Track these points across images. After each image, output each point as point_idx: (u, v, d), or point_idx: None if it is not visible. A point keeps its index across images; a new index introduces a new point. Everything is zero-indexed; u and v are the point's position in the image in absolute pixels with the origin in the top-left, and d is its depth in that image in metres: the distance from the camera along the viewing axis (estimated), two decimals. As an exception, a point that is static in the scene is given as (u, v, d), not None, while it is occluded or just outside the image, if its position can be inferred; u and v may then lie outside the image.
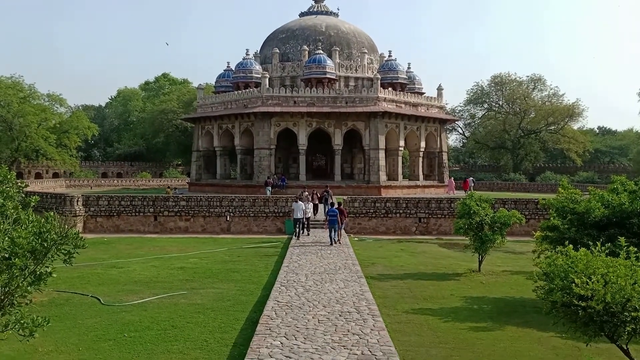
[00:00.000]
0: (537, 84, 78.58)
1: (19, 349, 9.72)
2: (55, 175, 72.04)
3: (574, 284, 8.12)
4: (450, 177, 50.21)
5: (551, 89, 78.39)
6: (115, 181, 68.66)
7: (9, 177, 10.35)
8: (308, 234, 25.14)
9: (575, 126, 79.20)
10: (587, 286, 8.03)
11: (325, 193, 30.67)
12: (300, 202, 25.08)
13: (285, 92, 43.03)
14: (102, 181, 68.03)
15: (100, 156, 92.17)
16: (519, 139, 75.66)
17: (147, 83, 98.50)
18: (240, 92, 45.33)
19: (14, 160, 66.53)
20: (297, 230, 24.43)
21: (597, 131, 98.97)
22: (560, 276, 8.51)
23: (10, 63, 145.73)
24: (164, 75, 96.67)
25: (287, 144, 46.09)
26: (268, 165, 42.98)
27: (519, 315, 12.69)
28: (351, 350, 9.37)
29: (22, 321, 8.51)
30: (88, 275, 16.78)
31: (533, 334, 11.22)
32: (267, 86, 43.04)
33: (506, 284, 16.17)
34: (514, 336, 11.06)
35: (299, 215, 24.53)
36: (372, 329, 10.56)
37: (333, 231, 22.62)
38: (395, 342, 10.09)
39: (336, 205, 24.52)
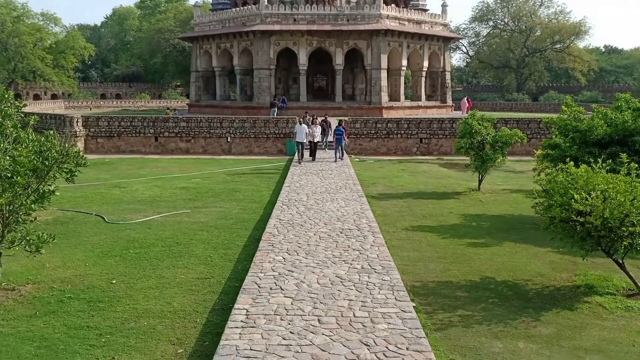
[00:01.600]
0: (544, 1, 76.36)
1: (26, 265, 9.94)
2: (54, 97, 71.28)
3: (573, 200, 8.18)
4: (464, 97, 49.66)
5: (558, 6, 76.79)
6: (114, 102, 68.07)
7: (6, 96, 10.22)
8: (314, 159, 23.78)
9: (581, 45, 77.75)
10: (586, 202, 8.09)
11: (323, 123, 27.68)
12: (304, 125, 24.32)
13: (285, 9, 41.73)
14: (101, 102, 67.39)
15: (98, 77, 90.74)
16: (523, 57, 74.32)
17: (142, 1, 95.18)
18: (238, 9, 44.03)
19: (11, 81, 65.72)
20: (300, 154, 23.44)
21: (603, 50, 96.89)
22: (560, 192, 8.56)
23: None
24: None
25: (287, 64, 45.29)
26: (268, 86, 42.36)
27: (516, 231, 12.89)
28: (351, 264, 9.59)
29: (27, 238, 8.69)
30: (91, 195, 16.95)
31: (530, 249, 11.44)
32: (266, 3, 41.66)
33: (505, 202, 16.34)
34: (511, 251, 11.28)
35: (302, 138, 23.55)
36: (372, 245, 10.77)
37: (339, 149, 24.01)
38: (395, 257, 10.31)
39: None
